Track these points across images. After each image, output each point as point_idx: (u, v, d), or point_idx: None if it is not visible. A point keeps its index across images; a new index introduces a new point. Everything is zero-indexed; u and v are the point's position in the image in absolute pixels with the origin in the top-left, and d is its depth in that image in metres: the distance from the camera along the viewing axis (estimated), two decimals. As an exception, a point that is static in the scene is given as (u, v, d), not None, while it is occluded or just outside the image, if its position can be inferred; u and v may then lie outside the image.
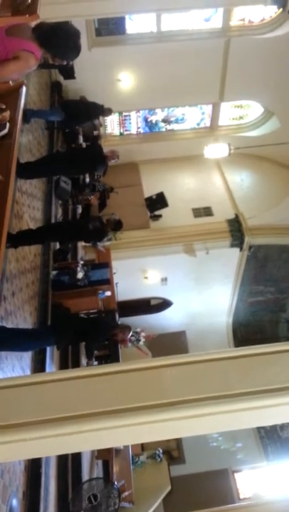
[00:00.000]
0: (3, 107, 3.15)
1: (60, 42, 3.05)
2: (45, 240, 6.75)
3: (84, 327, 5.41)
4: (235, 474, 11.61)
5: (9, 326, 5.00)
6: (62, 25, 3.07)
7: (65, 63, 3.33)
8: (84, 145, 9.77)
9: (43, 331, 5.31)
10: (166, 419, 2.29)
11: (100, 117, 10.17)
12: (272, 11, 10.28)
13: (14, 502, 4.20)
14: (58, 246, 8.17)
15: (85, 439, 2.40)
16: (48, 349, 5.98)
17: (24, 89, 3.55)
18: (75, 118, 8.48)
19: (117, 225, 6.98)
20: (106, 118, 11.63)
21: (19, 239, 5.74)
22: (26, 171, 6.47)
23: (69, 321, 5.55)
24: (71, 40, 3.08)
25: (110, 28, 10.53)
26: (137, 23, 10.64)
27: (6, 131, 3.16)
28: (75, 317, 5.92)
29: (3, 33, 3.01)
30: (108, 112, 9.09)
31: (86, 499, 4.82)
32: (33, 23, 3.24)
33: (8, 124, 3.19)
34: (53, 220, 7.87)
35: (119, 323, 6.97)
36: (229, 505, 9.27)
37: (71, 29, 3.09)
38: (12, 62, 2.93)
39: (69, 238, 7.11)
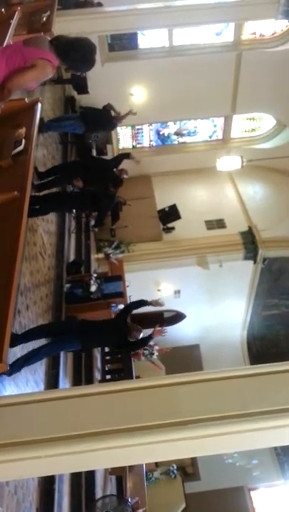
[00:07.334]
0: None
1: (76, 55, 3.15)
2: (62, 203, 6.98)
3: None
4: (251, 492, 11.36)
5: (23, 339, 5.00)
6: (80, 39, 3.15)
7: (78, 74, 3.46)
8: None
9: (68, 337, 5.40)
10: (181, 439, 2.25)
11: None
12: (283, 24, 10.33)
13: (27, 519, 4.16)
14: (72, 258, 8.20)
15: (99, 458, 2.38)
16: (62, 363, 5.98)
17: (39, 106, 3.60)
18: (91, 126, 8.42)
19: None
20: (118, 133, 11.57)
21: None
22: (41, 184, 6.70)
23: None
24: (87, 55, 3.18)
25: (123, 43, 10.69)
26: (149, 38, 10.78)
27: (21, 147, 3.20)
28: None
29: (21, 43, 3.12)
30: (108, 106, 8.82)
31: (99, 516, 4.75)
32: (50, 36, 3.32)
33: (23, 141, 3.23)
34: (66, 234, 7.91)
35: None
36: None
37: (88, 43, 3.17)
38: (29, 70, 3.02)
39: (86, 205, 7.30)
